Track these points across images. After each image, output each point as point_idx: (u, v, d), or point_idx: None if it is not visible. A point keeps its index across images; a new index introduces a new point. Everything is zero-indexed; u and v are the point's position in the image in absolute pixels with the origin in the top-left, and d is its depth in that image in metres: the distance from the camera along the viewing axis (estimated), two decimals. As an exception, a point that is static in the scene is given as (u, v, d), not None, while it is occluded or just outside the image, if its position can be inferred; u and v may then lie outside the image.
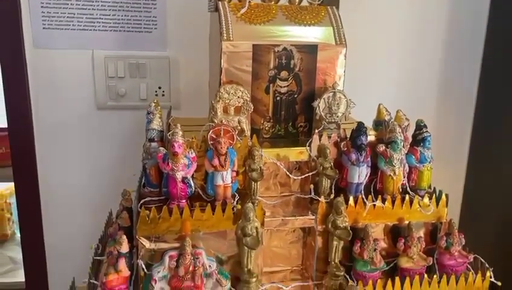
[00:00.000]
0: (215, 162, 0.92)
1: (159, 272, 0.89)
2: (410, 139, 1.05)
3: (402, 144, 0.99)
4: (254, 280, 0.94)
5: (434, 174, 1.08)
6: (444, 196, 1.03)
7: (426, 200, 1.02)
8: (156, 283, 0.88)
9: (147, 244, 0.92)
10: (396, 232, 1.03)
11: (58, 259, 1.49)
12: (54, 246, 1.49)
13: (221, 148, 0.91)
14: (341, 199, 0.97)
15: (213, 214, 0.92)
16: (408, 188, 1.04)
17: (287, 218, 0.99)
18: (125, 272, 0.89)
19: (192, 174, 0.95)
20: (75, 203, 1.44)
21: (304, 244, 1.06)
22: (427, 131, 1.02)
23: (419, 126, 1.04)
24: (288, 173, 1.02)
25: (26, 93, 1.36)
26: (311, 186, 1.02)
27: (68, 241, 1.47)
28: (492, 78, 1.55)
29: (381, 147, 1.00)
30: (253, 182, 0.96)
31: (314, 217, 0.99)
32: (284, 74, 1.03)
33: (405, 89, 1.56)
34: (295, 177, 1.03)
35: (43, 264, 1.56)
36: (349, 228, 0.96)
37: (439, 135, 1.57)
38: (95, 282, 0.94)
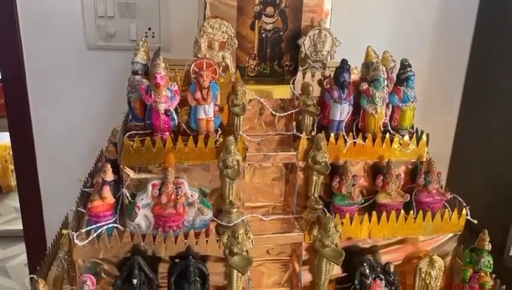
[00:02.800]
0: (198, 95, 0.93)
1: (142, 199, 0.92)
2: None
3: (385, 82, 1.00)
4: (235, 210, 0.97)
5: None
6: (424, 136, 1.04)
7: (407, 138, 1.03)
8: (139, 209, 0.91)
9: (131, 173, 0.95)
10: (376, 171, 1.05)
11: (53, 201, 1.53)
12: (48, 188, 1.54)
13: (204, 81, 0.92)
14: (321, 135, 0.99)
15: (195, 146, 0.94)
16: (390, 128, 1.05)
17: (269, 153, 1.02)
18: (109, 199, 0.92)
19: (176, 108, 0.97)
20: (68, 145, 1.47)
21: (286, 181, 1.09)
22: (411, 70, 1.03)
23: (404, 65, 1.04)
24: (271, 109, 1.03)
25: (17, 34, 1.36)
26: (294, 123, 1.03)
27: (62, 182, 1.50)
28: (487, 27, 1.53)
29: (364, 86, 1.01)
30: (235, 117, 0.98)
31: (295, 153, 1.01)
32: (269, 10, 1.02)
33: (399, 31, 1.52)
34: (278, 114, 1.04)
35: (39, 208, 1.60)
36: (328, 163, 0.98)
37: (431, 85, 1.57)
38: (82, 210, 0.97)
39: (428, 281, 1.00)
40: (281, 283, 1.09)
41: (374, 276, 0.98)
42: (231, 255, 0.91)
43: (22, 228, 1.66)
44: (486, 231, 1.02)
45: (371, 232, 1.01)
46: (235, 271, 0.92)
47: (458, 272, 1.09)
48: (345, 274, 1.04)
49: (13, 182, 3.09)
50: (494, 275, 1.05)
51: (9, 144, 2.19)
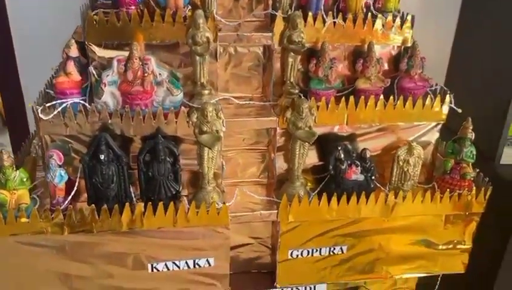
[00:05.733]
0: (164, -36, 0.87)
1: (108, 76, 0.89)
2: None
3: (369, -45, 0.92)
4: (207, 92, 0.94)
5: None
6: (409, 17, 0.98)
7: (390, 19, 0.97)
8: (105, 86, 0.89)
9: (97, 50, 0.91)
10: (357, 57, 1.00)
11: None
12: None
13: None
14: (298, 12, 0.93)
15: (163, 21, 0.90)
16: (373, 8, 0.99)
17: (243, 34, 0.96)
18: (75, 75, 0.90)
19: (143, -18, 0.91)
20: (47, 45, 1.43)
21: (263, 71, 1.04)
22: None
23: None
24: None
25: None
26: (270, 2, 0.97)
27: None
28: None
29: (346, -41, 0.93)
30: (207, -8, 0.92)
31: (271, 34, 0.96)
32: None
33: None
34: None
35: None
36: (304, 43, 0.93)
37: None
38: (50, 91, 0.95)
39: (406, 169, 0.98)
40: (257, 174, 1.07)
41: (349, 162, 0.96)
42: (200, 134, 0.89)
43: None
44: (470, 119, 0.98)
45: (348, 118, 0.97)
46: (206, 150, 0.90)
47: (439, 166, 1.07)
48: (322, 163, 1.02)
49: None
50: (478, 170, 1.03)
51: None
